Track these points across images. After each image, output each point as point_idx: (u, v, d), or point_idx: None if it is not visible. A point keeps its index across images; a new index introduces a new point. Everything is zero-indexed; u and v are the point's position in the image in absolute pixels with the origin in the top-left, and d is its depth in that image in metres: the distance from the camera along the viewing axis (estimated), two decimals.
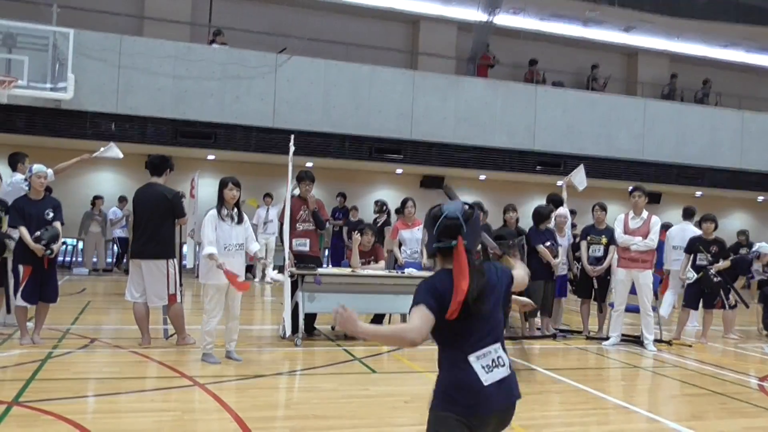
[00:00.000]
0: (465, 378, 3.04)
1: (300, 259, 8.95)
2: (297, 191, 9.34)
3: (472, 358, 3.04)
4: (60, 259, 13.45)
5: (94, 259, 17.62)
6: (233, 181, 7.46)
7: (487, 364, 3.07)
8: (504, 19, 19.69)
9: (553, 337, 10.17)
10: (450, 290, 2.97)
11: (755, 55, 24.32)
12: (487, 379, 3.05)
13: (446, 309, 2.94)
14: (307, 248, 9.18)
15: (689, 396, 7.10)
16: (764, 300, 11.49)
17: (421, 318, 2.94)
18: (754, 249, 12.14)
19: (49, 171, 8.24)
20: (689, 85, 22.93)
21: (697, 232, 11.11)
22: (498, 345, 3.12)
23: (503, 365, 3.13)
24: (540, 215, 10.20)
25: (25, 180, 8.22)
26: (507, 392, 3.18)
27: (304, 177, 9.24)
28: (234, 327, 7.54)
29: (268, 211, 16.46)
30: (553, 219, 10.50)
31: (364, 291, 9.05)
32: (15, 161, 9.39)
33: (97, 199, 17.20)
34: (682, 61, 23.98)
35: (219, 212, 7.37)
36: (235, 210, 7.49)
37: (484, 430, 3.14)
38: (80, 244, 18.19)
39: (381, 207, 10.88)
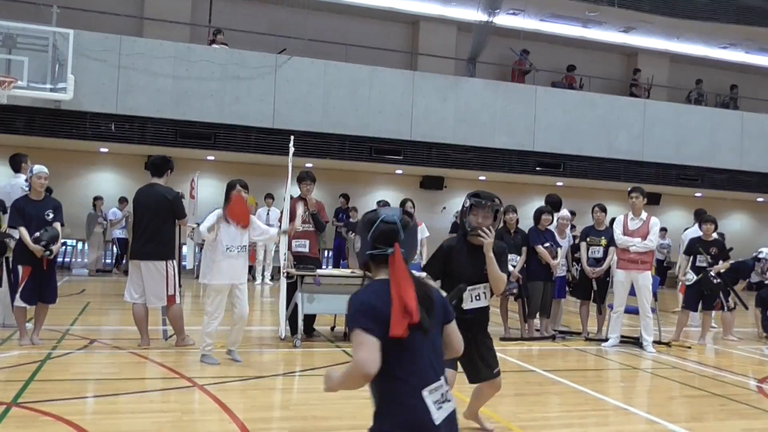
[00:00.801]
0: (416, 418, 2.64)
1: (299, 260, 8.95)
2: (297, 192, 9.32)
3: (425, 392, 2.66)
4: (59, 259, 13.47)
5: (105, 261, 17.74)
6: (241, 184, 7.50)
7: (437, 400, 2.69)
8: (504, 20, 19.69)
9: (552, 338, 10.17)
10: (388, 303, 2.65)
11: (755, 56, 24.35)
12: (438, 417, 2.66)
13: (386, 327, 2.61)
14: (306, 249, 9.18)
15: (688, 397, 7.10)
16: (762, 304, 11.48)
17: (365, 346, 2.61)
18: (761, 256, 12.07)
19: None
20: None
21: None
22: (444, 379, 2.76)
23: (450, 400, 2.75)
24: (539, 212, 10.24)
25: (26, 180, 8.22)
26: (453, 429, 2.77)
27: (305, 177, 9.23)
28: (240, 328, 7.53)
29: (268, 212, 16.46)
30: (555, 220, 10.50)
31: None
32: (18, 162, 9.32)
33: (97, 200, 17.21)
34: (681, 61, 24.01)
35: (225, 216, 7.31)
36: None
37: None
38: (81, 245, 18.25)
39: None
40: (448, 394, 2.75)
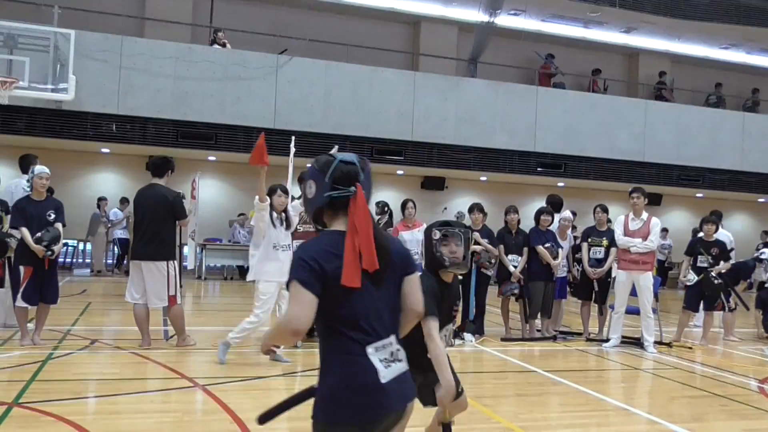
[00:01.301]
0: (360, 375, 2.55)
1: None
2: (298, 193, 9.31)
3: (370, 349, 2.56)
4: (61, 260, 13.47)
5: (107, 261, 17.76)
6: (281, 188, 7.79)
7: (385, 358, 2.59)
8: (505, 20, 19.71)
9: (554, 338, 10.16)
10: (339, 257, 2.52)
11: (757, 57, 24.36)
12: (385, 375, 2.56)
13: (333, 283, 2.50)
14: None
15: (689, 398, 7.10)
16: (762, 305, 11.47)
17: (300, 302, 2.49)
18: (763, 257, 12.06)
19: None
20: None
21: (727, 234, 11.21)
22: (394, 337, 2.67)
23: (401, 360, 2.66)
24: (539, 212, 10.24)
25: (28, 181, 8.23)
26: (406, 390, 2.69)
27: (305, 177, 9.22)
28: None
29: None
30: (556, 221, 10.50)
31: None
32: (27, 163, 9.14)
33: (101, 201, 17.21)
34: (682, 61, 24.02)
35: (270, 218, 7.65)
36: (284, 215, 7.79)
37: None
38: (84, 246, 18.29)
39: (382, 208, 10.87)
40: (399, 353, 2.66)
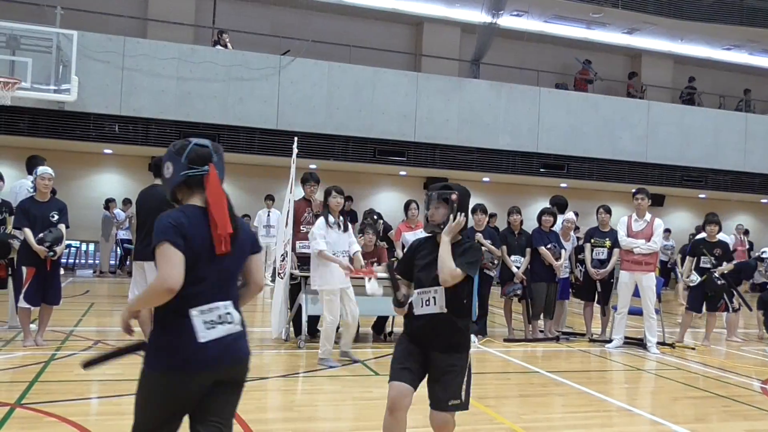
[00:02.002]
0: (178, 334, 2.87)
1: (304, 261, 8.94)
2: (300, 194, 9.31)
3: (194, 311, 2.87)
4: (63, 260, 13.47)
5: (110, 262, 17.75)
6: (336, 190, 7.79)
7: (211, 320, 2.91)
8: (507, 21, 19.70)
9: (556, 339, 10.16)
10: (196, 226, 2.88)
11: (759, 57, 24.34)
12: (205, 336, 2.88)
13: (194, 248, 2.84)
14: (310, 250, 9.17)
15: (692, 399, 7.09)
16: (764, 306, 11.45)
17: (172, 261, 2.78)
18: (765, 256, 12.05)
19: None
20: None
21: (726, 237, 11.23)
22: (230, 302, 3.00)
23: (231, 322, 2.99)
24: (542, 212, 10.23)
25: (31, 182, 8.23)
26: (231, 350, 3.01)
27: (308, 178, 9.23)
28: (351, 330, 7.89)
29: (269, 214, 16.45)
30: (560, 222, 10.50)
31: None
32: (34, 165, 8.95)
33: (110, 202, 17.17)
34: (686, 62, 24.01)
35: (326, 220, 7.69)
36: (341, 218, 7.85)
37: (202, 388, 2.96)
38: (87, 247, 18.32)
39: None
40: (229, 317, 2.97)
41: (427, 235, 4.23)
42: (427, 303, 4.01)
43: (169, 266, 2.76)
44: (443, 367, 3.99)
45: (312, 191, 9.20)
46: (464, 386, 4.00)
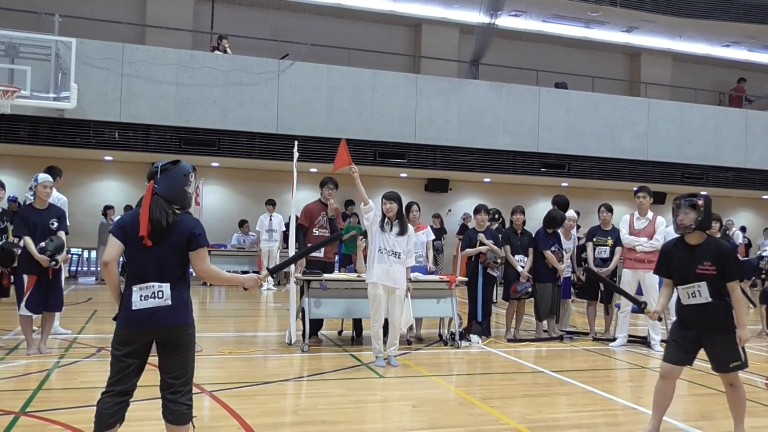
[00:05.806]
0: (126, 301, 4.00)
1: (313, 264, 8.94)
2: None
3: (135, 288, 3.98)
4: (66, 267, 13.44)
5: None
6: (385, 197, 8.07)
7: (145, 295, 3.97)
8: (506, 21, 19.71)
9: (560, 339, 10.15)
10: (137, 224, 3.97)
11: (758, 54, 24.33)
12: (138, 305, 3.97)
13: (131, 238, 3.98)
14: (321, 254, 9.18)
15: (697, 396, 7.08)
16: (766, 301, 11.43)
17: (110, 244, 4.02)
18: (765, 254, 12.02)
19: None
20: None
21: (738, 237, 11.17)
22: (166, 285, 4.00)
23: (161, 298, 3.98)
24: (554, 220, 10.16)
25: (30, 189, 8.21)
26: (155, 318, 3.98)
27: (327, 181, 9.27)
28: (393, 334, 7.95)
29: (271, 218, 16.44)
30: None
31: None
32: (53, 176, 8.85)
33: (108, 209, 17.16)
34: (685, 60, 24.01)
35: (381, 224, 7.89)
36: (398, 221, 7.96)
37: (139, 343, 4.05)
38: (89, 254, 18.31)
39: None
40: (161, 293, 3.98)
41: (677, 236, 5.36)
42: (693, 295, 5.10)
43: (108, 248, 4.04)
44: (711, 345, 5.25)
45: (330, 194, 9.21)
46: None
